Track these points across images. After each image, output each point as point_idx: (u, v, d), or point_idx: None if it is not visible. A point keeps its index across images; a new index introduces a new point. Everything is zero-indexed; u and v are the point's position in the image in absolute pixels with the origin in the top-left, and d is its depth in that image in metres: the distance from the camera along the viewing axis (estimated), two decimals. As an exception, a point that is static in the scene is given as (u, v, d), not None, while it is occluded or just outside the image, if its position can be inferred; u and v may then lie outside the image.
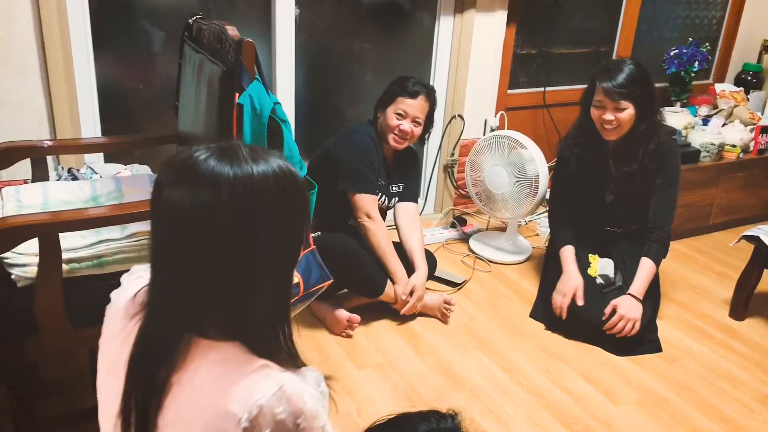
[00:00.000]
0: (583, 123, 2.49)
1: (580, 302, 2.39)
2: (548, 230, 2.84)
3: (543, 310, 2.56)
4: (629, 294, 2.38)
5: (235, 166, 0.84)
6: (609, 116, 2.34)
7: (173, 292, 0.87)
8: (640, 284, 2.39)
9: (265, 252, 0.86)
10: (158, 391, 0.85)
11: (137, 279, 1.03)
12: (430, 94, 2.46)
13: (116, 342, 0.95)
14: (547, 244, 2.80)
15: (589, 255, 2.54)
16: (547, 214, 2.79)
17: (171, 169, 0.87)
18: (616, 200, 2.52)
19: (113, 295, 1.04)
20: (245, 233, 0.84)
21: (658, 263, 2.45)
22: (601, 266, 2.51)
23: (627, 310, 2.33)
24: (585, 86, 2.48)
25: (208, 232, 0.83)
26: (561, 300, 2.42)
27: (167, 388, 0.85)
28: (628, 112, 2.33)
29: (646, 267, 2.42)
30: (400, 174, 2.59)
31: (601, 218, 2.59)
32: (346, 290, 2.46)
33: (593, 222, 2.60)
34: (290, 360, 0.90)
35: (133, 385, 0.87)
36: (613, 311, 2.34)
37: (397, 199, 2.59)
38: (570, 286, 2.42)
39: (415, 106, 2.41)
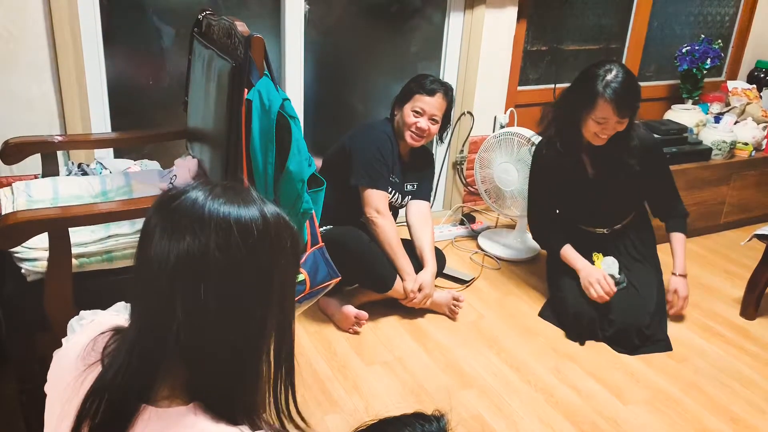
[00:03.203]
0: (562, 126, 2.40)
1: (614, 287, 2.39)
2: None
3: (552, 313, 2.55)
4: (679, 275, 2.50)
5: (246, 206, 0.77)
6: (610, 131, 2.30)
7: (155, 345, 0.78)
8: (682, 260, 2.51)
9: (271, 305, 0.80)
10: None
11: (90, 323, 0.96)
12: (448, 93, 2.46)
13: (68, 390, 0.87)
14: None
15: (593, 253, 2.52)
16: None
17: (167, 212, 0.77)
18: (596, 199, 2.50)
19: (64, 341, 0.97)
20: (255, 280, 0.78)
21: (686, 232, 2.56)
22: (606, 265, 2.49)
23: (686, 291, 2.51)
24: (570, 91, 2.38)
25: (214, 277, 0.75)
26: (600, 290, 2.35)
27: None
28: (627, 122, 2.31)
29: (680, 241, 2.53)
30: (415, 173, 2.58)
31: (584, 220, 2.58)
32: (354, 286, 2.46)
33: (578, 225, 2.59)
34: (253, 423, 0.82)
35: None
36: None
37: (410, 197, 2.59)
38: (598, 273, 2.39)
39: (432, 103, 2.40)
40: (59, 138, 2.04)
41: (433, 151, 3.30)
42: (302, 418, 0.89)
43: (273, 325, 0.82)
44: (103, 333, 0.89)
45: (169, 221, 0.77)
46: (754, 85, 3.81)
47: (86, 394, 0.82)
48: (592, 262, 2.49)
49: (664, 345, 2.40)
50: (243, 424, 0.81)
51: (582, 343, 2.39)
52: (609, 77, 2.23)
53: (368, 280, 2.40)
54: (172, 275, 0.76)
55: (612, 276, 2.45)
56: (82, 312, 1.03)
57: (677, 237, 2.53)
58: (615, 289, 2.39)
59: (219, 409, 0.80)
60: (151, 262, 0.77)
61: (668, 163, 2.60)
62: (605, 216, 2.56)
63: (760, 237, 2.55)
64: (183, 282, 0.76)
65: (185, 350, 0.78)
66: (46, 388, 0.93)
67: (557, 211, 2.61)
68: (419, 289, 2.39)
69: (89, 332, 0.92)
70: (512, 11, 3.17)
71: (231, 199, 0.78)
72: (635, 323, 2.35)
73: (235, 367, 0.81)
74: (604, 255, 2.53)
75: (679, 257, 2.51)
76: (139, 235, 0.81)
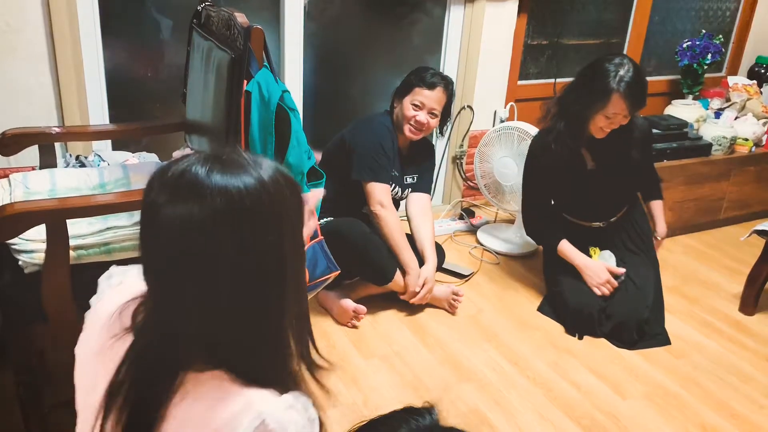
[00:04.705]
0: (570, 122, 2.36)
1: (622, 270, 2.43)
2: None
3: (551, 309, 2.54)
4: (662, 239, 2.63)
5: (242, 174, 0.78)
6: (616, 125, 2.29)
7: (178, 321, 0.80)
8: (663, 224, 2.64)
9: (286, 263, 0.81)
10: (150, 425, 0.81)
11: (118, 285, 0.98)
12: (448, 86, 2.44)
13: (96, 357, 0.89)
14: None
15: (590, 248, 2.52)
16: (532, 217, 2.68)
17: (167, 187, 0.78)
18: (594, 192, 2.49)
19: (92, 301, 0.99)
20: (268, 244, 0.79)
21: (662, 197, 2.69)
22: (603, 259, 2.49)
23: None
24: (578, 85, 2.34)
25: (226, 248, 0.76)
26: (606, 286, 2.40)
27: (160, 423, 0.80)
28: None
29: (660, 206, 2.65)
30: (415, 165, 2.57)
31: (580, 214, 2.58)
32: (353, 280, 2.45)
33: (573, 220, 2.59)
34: (284, 385, 0.84)
35: (123, 419, 0.82)
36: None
37: (410, 189, 2.58)
38: (603, 270, 2.41)
39: (432, 97, 2.39)
40: (57, 130, 2.02)
41: (433, 143, 3.30)
42: (323, 358, 0.92)
43: (291, 283, 0.83)
44: (130, 300, 0.90)
45: (173, 198, 0.77)
46: (755, 81, 3.80)
47: (118, 365, 0.83)
48: (590, 257, 2.49)
49: (663, 339, 2.40)
50: (274, 386, 0.82)
51: (580, 338, 2.39)
52: (622, 72, 2.21)
53: (368, 272, 2.39)
54: (181, 250, 0.77)
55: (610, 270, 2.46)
56: (112, 268, 1.03)
57: (657, 203, 2.65)
58: (616, 284, 2.40)
59: (248, 374, 0.81)
60: (159, 239, 0.78)
61: (653, 151, 2.75)
62: (602, 209, 2.56)
63: (760, 233, 2.55)
64: (194, 255, 0.77)
65: (206, 321, 0.80)
66: (76, 351, 0.95)
67: (552, 207, 2.61)
68: (424, 283, 2.38)
69: (116, 298, 0.92)
70: (513, 5, 3.15)
71: (230, 169, 0.78)
72: (634, 317, 2.35)
73: (258, 331, 0.82)
74: (601, 249, 2.53)
75: (660, 221, 2.63)
76: (139, 218, 0.82)
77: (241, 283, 0.79)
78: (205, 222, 0.75)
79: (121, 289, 0.95)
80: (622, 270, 2.43)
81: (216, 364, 0.82)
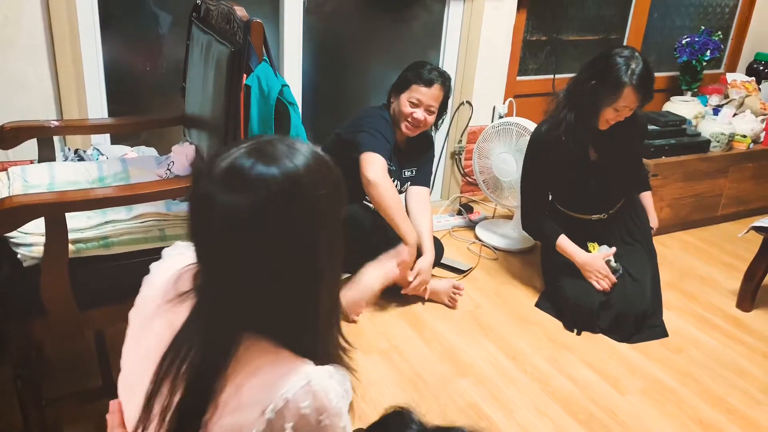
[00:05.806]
0: (580, 114, 2.34)
1: (613, 249, 2.47)
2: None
3: (549, 304, 2.55)
4: (654, 230, 2.68)
5: (279, 166, 0.84)
6: (622, 117, 2.30)
7: (231, 300, 0.87)
8: (655, 215, 2.71)
9: (319, 248, 0.87)
10: (210, 386, 0.85)
11: (178, 255, 1.03)
12: (446, 83, 2.43)
13: (152, 319, 0.95)
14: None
15: (588, 243, 2.52)
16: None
17: (217, 180, 0.84)
18: (596, 183, 2.49)
19: (153, 266, 1.04)
20: (306, 231, 0.85)
21: (651, 188, 2.78)
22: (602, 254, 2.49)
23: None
24: (588, 78, 2.31)
25: (273, 236, 0.83)
26: (605, 281, 2.41)
27: (220, 384, 0.85)
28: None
29: (650, 197, 2.73)
30: (414, 158, 2.57)
31: (581, 207, 2.58)
32: (352, 275, 2.45)
33: (572, 215, 2.59)
34: (326, 360, 0.90)
35: (185, 390, 0.86)
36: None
37: (409, 183, 2.58)
38: (602, 265, 2.41)
39: (429, 94, 2.38)
40: (56, 123, 2.01)
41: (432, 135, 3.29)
42: (347, 341, 0.98)
43: (327, 268, 0.89)
44: (188, 266, 0.96)
45: (223, 190, 0.83)
46: (753, 78, 3.81)
47: (180, 329, 0.89)
48: (590, 251, 2.49)
49: (660, 331, 2.41)
50: (314, 360, 0.87)
51: (579, 334, 2.40)
52: (633, 66, 2.22)
53: (369, 259, 2.34)
54: (230, 237, 0.83)
55: (608, 263, 2.46)
56: (177, 242, 1.09)
57: (646, 195, 2.71)
58: (615, 279, 2.40)
59: (292, 346, 0.87)
60: (211, 228, 0.85)
61: (648, 135, 2.91)
62: (603, 201, 2.56)
63: (758, 229, 2.55)
64: (241, 242, 0.83)
65: (251, 299, 0.86)
66: (130, 314, 1.02)
67: (550, 201, 2.62)
68: (417, 274, 2.37)
69: (175, 264, 0.99)
70: (512, 1, 3.15)
71: (270, 161, 0.84)
72: (632, 310, 2.36)
73: (298, 311, 0.88)
74: (599, 243, 2.53)
75: (652, 213, 2.70)
76: (188, 207, 0.89)
77: (279, 268, 0.85)
78: (251, 212, 0.82)
79: (181, 258, 1.01)
80: (613, 249, 2.44)
81: (264, 335, 0.87)
